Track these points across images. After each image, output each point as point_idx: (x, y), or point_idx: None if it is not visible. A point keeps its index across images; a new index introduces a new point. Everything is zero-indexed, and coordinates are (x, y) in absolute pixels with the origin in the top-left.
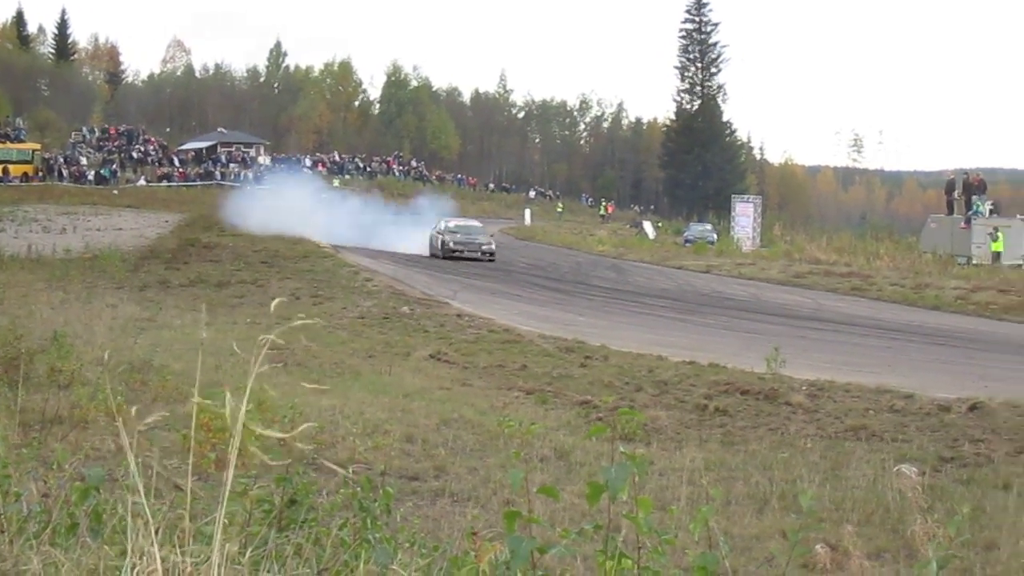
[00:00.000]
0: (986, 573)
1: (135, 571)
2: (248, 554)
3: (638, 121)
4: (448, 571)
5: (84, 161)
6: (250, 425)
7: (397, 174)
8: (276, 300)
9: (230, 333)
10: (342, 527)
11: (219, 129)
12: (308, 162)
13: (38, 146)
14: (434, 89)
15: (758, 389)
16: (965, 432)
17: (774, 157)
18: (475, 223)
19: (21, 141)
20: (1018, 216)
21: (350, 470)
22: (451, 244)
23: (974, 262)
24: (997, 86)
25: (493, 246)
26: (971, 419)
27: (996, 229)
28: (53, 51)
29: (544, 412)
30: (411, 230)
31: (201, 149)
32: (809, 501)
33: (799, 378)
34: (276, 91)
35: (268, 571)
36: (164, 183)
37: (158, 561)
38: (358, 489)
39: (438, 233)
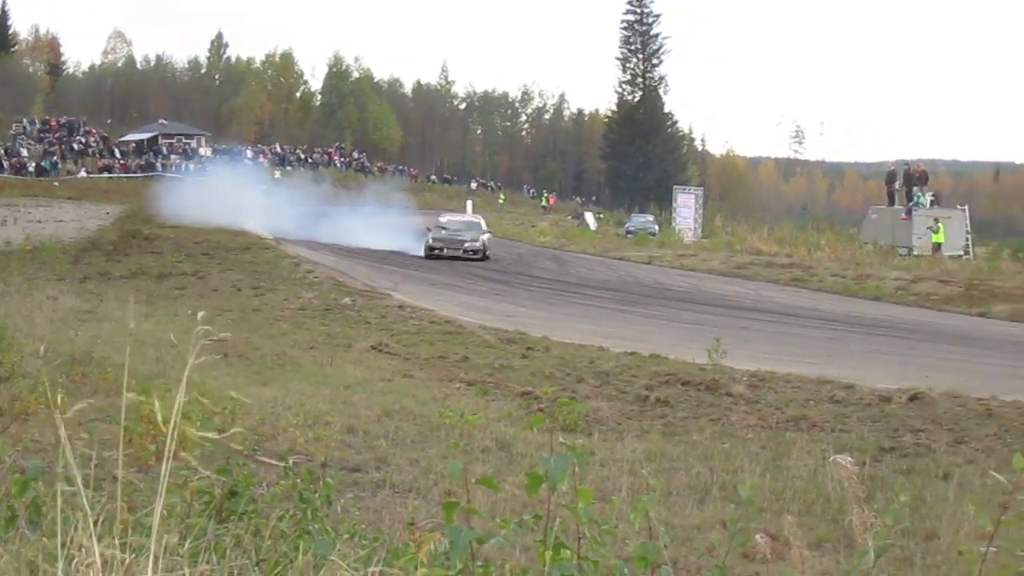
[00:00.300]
0: (926, 563)
1: (73, 563)
2: (187, 545)
3: (580, 112)
4: (387, 562)
5: (25, 153)
6: (183, 424)
7: (339, 165)
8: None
9: (170, 325)
10: (282, 518)
11: (160, 120)
12: (249, 153)
13: None
14: (376, 80)
15: (699, 380)
16: (905, 422)
17: (716, 148)
18: (471, 218)
19: None
20: (958, 207)
21: (290, 461)
22: (430, 241)
23: (915, 253)
24: (938, 78)
25: (479, 244)
26: (912, 409)
27: (937, 220)
28: None
29: (485, 403)
30: (362, 222)
31: (142, 140)
32: (748, 491)
33: (740, 369)
34: (217, 82)
35: (207, 562)
36: (105, 175)
37: (96, 553)
38: (298, 480)
39: (427, 230)
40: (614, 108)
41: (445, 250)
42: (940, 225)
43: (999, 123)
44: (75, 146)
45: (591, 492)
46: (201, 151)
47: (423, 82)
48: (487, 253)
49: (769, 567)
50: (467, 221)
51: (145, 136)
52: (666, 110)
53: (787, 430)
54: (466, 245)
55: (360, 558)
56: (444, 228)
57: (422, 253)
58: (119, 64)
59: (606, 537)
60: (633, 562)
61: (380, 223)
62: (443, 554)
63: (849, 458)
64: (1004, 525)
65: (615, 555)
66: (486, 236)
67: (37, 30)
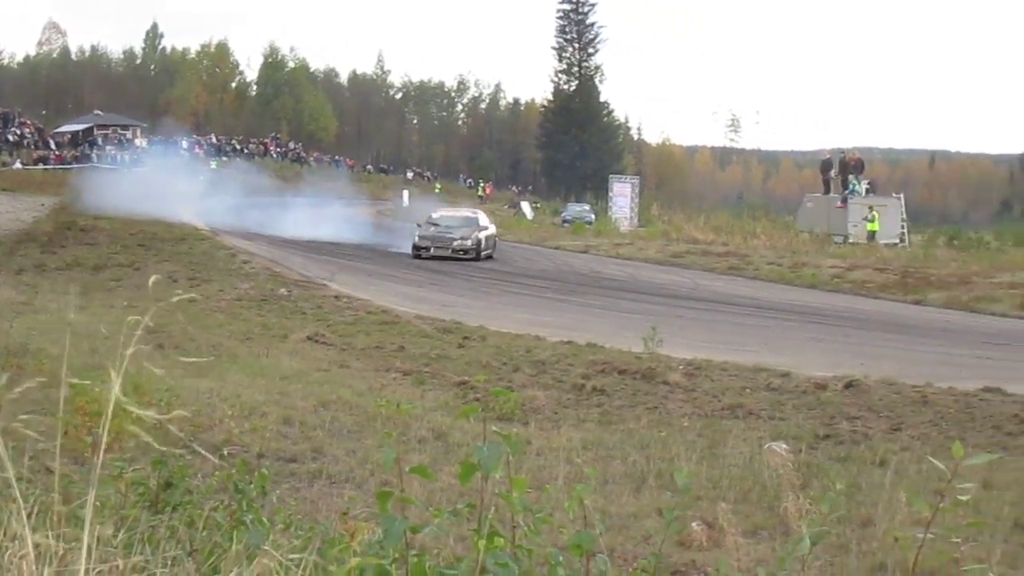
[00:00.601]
0: (861, 549)
1: (7, 555)
2: (120, 536)
3: (516, 102)
4: (322, 552)
5: None
6: (126, 405)
7: (275, 156)
8: (154, 277)
9: (106, 316)
10: (216, 509)
11: (95, 111)
12: (185, 144)
13: None
14: (311, 71)
15: (635, 368)
16: (841, 410)
17: (652, 137)
18: (467, 214)
19: None
20: (894, 195)
21: (225, 452)
22: (416, 240)
23: (850, 241)
24: (874, 66)
25: (469, 242)
26: (847, 397)
27: (872, 208)
28: None
29: (422, 393)
30: (298, 212)
31: (77, 132)
32: (684, 479)
33: (677, 357)
34: (153, 73)
35: (140, 553)
36: (40, 166)
37: (30, 544)
38: (233, 471)
39: (416, 226)
40: (550, 97)
41: (432, 249)
42: (875, 213)
43: (934, 111)
44: (10, 137)
45: (526, 481)
46: (137, 142)
47: (359, 72)
48: (485, 252)
49: (705, 554)
50: (463, 217)
51: (80, 127)
52: (602, 99)
53: (723, 418)
54: (455, 244)
55: (294, 547)
56: (434, 224)
57: (409, 252)
58: (54, 55)
59: (541, 526)
60: (569, 550)
61: (316, 214)
62: (377, 543)
63: (784, 445)
64: (942, 512)
65: (551, 544)
66: (484, 234)
67: None
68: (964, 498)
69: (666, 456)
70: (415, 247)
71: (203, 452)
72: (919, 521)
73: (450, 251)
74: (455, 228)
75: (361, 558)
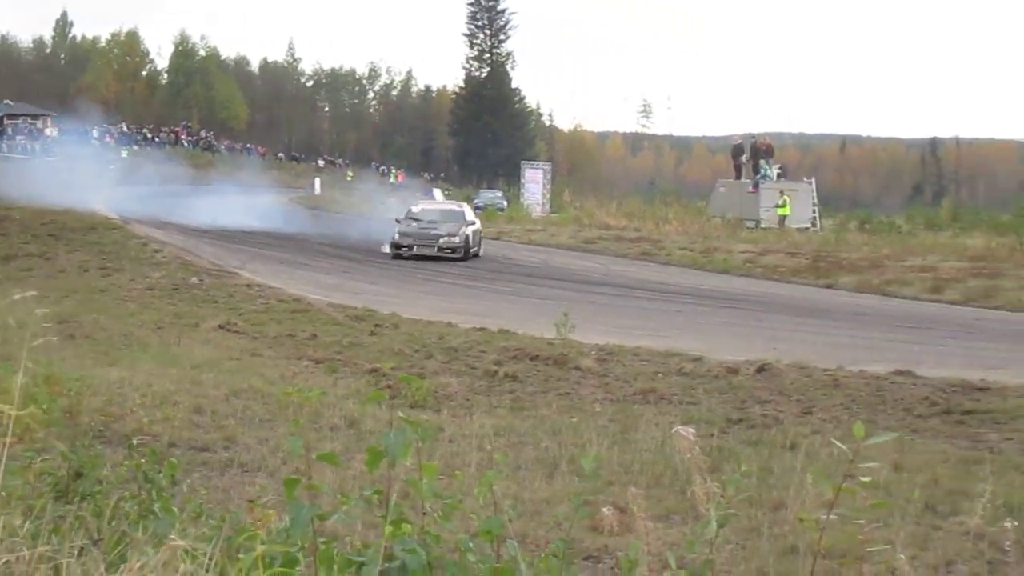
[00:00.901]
0: (773, 532)
1: None
2: (27, 526)
3: (427, 89)
4: (230, 540)
5: None
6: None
7: (186, 144)
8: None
9: (16, 307)
10: (124, 498)
11: (5, 101)
12: (96, 133)
13: None
14: (222, 59)
15: (548, 355)
16: (753, 394)
17: (564, 124)
18: (451, 206)
19: None
20: (805, 180)
21: (135, 442)
22: (396, 237)
23: (762, 226)
24: (785, 51)
25: (457, 239)
26: (759, 381)
27: (783, 193)
28: None
29: (334, 381)
30: (210, 201)
31: None
32: (592, 464)
33: (589, 343)
34: (63, 62)
35: (47, 543)
36: None
37: None
38: (143, 461)
39: (396, 221)
40: (462, 84)
41: (415, 247)
42: (787, 198)
43: (845, 97)
44: None
45: (436, 467)
46: (47, 131)
47: (270, 60)
48: (473, 250)
49: (617, 539)
50: (446, 210)
51: None
52: (513, 86)
53: (635, 403)
54: (441, 241)
55: (202, 536)
56: (415, 219)
57: (387, 250)
58: None
59: (452, 512)
60: (479, 536)
61: (227, 202)
62: (285, 530)
63: (691, 429)
64: (848, 494)
65: (463, 530)
66: (471, 229)
67: None
68: (866, 479)
69: (578, 442)
70: (395, 245)
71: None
72: (827, 503)
73: (436, 249)
74: (440, 223)
75: (267, 545)
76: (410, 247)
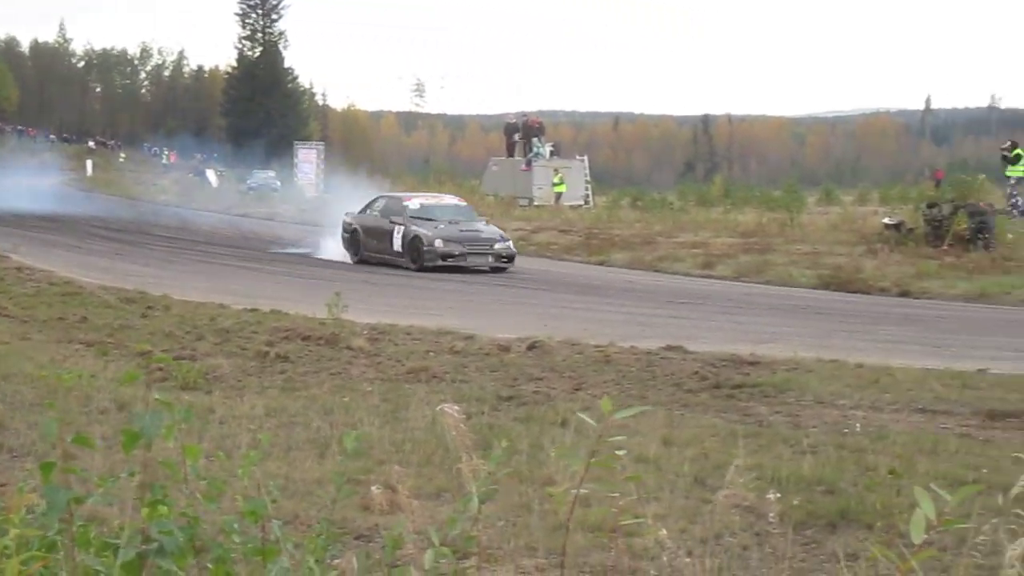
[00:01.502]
0: (543, 508)
1: None
2: None
3: (200, 69)
4: None
5: None
6: None
7: None
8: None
9: None
10: None
11: None
12: None
13: None
14: None
15: (319, 334)
16: (524, 371)
17: (337, 103)
18: (455, 201)
19: None
20: (577, 157)
21: None
22: (437, 245)
23: (536, 203)
24: (554, 31)
25: (512, 246)
26: (530, 358)
27: (557, 171)
28: None
29: (104, 364)
30: None
31: None
32: (353, 443)
33: (361, 322)
34: None
35: None
36: None
37: None
38: None
39: (390, 221)
40: (234, 64)
41: (468, 256)
42: (560, 175)
43: (617, 74)
44: None
45: (199, 449)
46: None
47: (40, 40)
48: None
49: (388, 518)
50: (455, 206)
51: None
52: (287, 65)
53: (407, 382)
54: (498, 247)
55: None
56: (432, 220)
57: (409, 263)
58: None
59: (217, 494)
60: (244, 517)
61: None
62: (42, 514)
63: (455, 406)
64: (601, 467)
65: (231, 511)
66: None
67: None
68: (622, 452)
69: (350, 421)
70: (436, 254)
71: None
72: (598, 478)
73: (492, 259)
74: (471, 224)
75: (21, 530)
76: (462, 255)
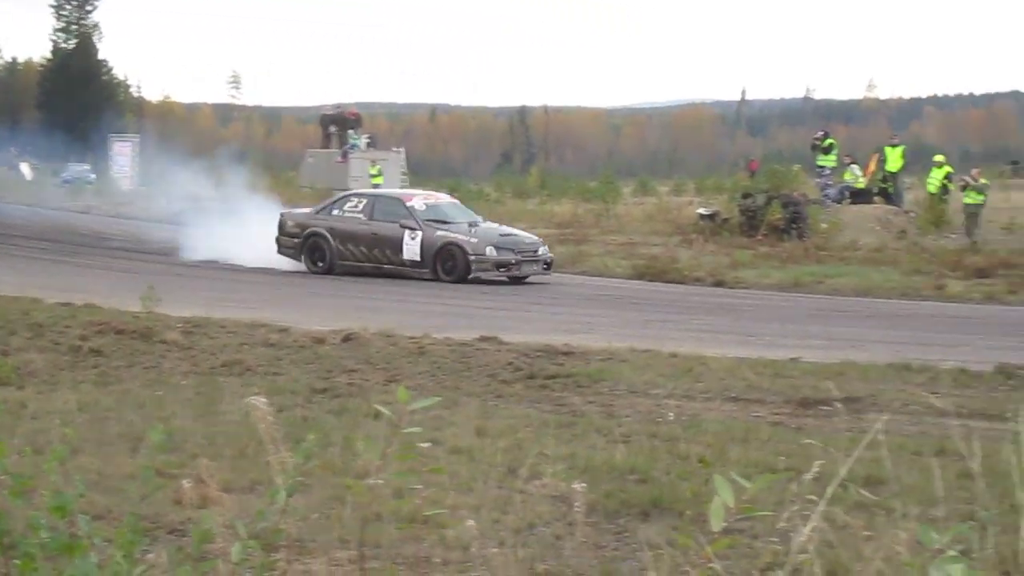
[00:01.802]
0: (357, 500)
1: None
2: None
3: (14, 61)
4: None
5: None
6: None
7: None
8: None
9: None
10: None
11: None
12: None
13: None
14: None
15: (133, 328)
16: (339, 363)
17: (153, 95)
18: (448, 199)
19: None
20: (394, 149)
21: None
22: (492, 253)
23: None
24: (374, 22)
25: (549, 251)
26: (345, 350)
27: (375, 162)
28: None
29: None
30: None
31: None
32: (159, 437)
33: (175, 316)
34: None
35: None
36: None
37: None
38: None
39: (402, 227)
40: (49, 57)
41: (521, 265)
42: (378, 167)
43: (434, 66)
44: None
45: (6, 445)
46: None
47: None
48: None
49: (201, 512)
50: (457, 205)
51: None
52: (101, 57)
53: (221, 375)
54: (541, 252)
55: None
56: (448, 222)
57: (436, 275)
58: None
59: (23, 490)
60: (51, 512)
61: None
62: None
63: (263, 399)
64: (407, 459)
65: (41, 507)
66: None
67: None
68: (426, 445)
69: (162, 415)
70: (488, 264)
71: None
72: (411, 468)
73: (540, 266)
74: (516, 231)
75: None
76: (516, 264)
